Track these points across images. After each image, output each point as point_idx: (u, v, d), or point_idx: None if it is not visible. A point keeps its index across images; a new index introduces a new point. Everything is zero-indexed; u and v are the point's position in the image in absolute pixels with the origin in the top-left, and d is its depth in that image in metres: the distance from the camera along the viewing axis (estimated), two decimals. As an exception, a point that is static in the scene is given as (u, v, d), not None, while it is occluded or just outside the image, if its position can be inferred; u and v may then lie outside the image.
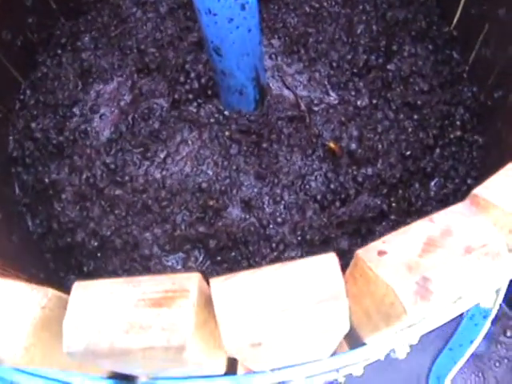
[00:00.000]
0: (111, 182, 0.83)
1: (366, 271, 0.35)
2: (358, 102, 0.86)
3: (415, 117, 0.85)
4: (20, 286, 0.37)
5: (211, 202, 0.80)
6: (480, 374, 1.29)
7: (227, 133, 0.85)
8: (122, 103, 0.90)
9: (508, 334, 1.40)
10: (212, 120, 0.86)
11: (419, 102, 0.85)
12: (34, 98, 0.92)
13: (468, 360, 0.98)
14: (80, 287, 0.36)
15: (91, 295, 0.35)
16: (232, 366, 0.49)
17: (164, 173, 0.84)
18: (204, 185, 0.81)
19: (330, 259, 0.35)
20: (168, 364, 0.37)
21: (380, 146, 0.82)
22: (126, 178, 0.83)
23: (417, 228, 0.36)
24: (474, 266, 0.33)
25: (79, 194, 0.83)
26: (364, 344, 0.47)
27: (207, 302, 0.36)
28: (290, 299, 0.33)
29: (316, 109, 0.86)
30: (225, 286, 0.34)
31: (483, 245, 0.34)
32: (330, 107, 0.86)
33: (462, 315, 1.03)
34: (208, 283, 0.35)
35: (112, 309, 0.34)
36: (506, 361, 1.44)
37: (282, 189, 0.80)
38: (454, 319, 1.06)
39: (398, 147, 0.82)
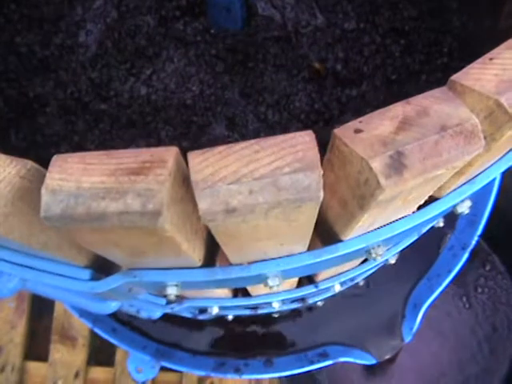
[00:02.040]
0: (96, 97, 0.83)
1: (341, 149, 0.36)
2: (346, 25, 0.85)
3: (402, 42, 0.84)
4: (-1, 156, 0.37)
5: (195, 118, 0.80)
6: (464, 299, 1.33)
7: (213, 51, 0.84)
8: (109, 20, 0.89)
9: (487, 267, 1.42)
10: (198, 38, 0.85)
11: (407, 28, 0.85)
12: (18, 13, 0.90)
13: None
14: (59, 159, 0.36)
15: (70, 165, 0.35)
16: (210, 261, 0.50)
17: (149, 89, 0.84)
18: (189, 101, 0.81)
19: (307, 135, 0.35)
20: (144, 241, 0.38)
21: (365, 69, 0.82)
22: (111, 93, 0.83)
23: (393, 109, 0.36)
24: (447, 143, 0.34)
25: (64, 107, 0.83)
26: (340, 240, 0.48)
27: (185, 180, 0.36)
28: (265, 168, 0.33)
29: (303, 31, 0.85)
30: (201, 155, 0.35)
31: (458, 124, 0.34)
32: (317, 30, 0.85)
33: (439, 247, 1.05)
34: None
35: (89, 176, 0.34)
36: (486, 289, 1.47)
37: (267, 107, 0.81)
38: (431, 251, 1.08)
39: (383, 71, 0.82)
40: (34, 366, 1.41)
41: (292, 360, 0.98)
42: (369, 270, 0.74)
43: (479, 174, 0.49)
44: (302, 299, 0.90)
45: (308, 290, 0.72)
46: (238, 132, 0.80)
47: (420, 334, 1.36)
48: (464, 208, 0.51)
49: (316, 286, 0.72)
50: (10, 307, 1.41)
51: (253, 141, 0.35)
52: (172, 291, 0.51)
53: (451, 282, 0.99)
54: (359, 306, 1.03)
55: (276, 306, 0.74)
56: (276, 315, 0.97)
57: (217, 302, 0.72)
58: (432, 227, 0.75)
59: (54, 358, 1.38)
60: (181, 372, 1.33)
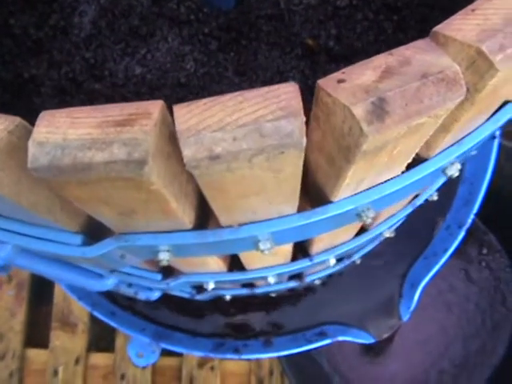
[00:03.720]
0: (91, 77, 0.83)
1: (325, 101, 0.36)
2: (338, 2, 0.85)
3: (395, 18, 0.85)
4: (-14, 112, 0.37)
5: (190, 97, 0.80)
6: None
7: (207, 30, 0.85)
8: (102, 0, 0.89)
9: (484, 251, 1.43)
10: (192, 17, 0.86)
11: (400, 4, 0.85)
12: (13, -5, 0.91)
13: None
14: (46, 114, 0.37)
15: (57, 119, 0.36)
16: (202, 227, 0.50)
17: (144, 68, 0.84)
18: (183, 80, 0.82)
19: (291, 86, 0.35)
20: (132, 197, 0.38)
21: (359, 45, 0.82)
22: (106, 72, 0.83)
23: (376, 60, 0.36)
24: (429, 90, 0.34)
25: (58, 88, 0.83)
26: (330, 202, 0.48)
27: (171, 136, 0.37)
28: (249, 116, 0.34)
29: (295, 8, 0.86)
30: (186, 107, 0.35)
31: (440, 71, 0.34)
32: (310, 7, 0.86)
33: (434, 227, 1.05)
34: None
35: (76, 129, 0.35)
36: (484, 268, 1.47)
37: (261, 85, 0.81)
38: (427, 230, 1.07)
39: (376, 47, 0.83)
40: (34, 353, 1.42)
41: (291, 340, 0.99)
42: (364, 244, 0.74)
43: (467, 135, 0.49)
44: (299, 277, 0.91)
45: (303, 263, 0.73)
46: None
47: (418, 312, 1.38)
48: (453, 171, 0.51)
49: (311, 260, 0.73)
50: (10, 295, 1.42)
51: (237, 93, 0.35)
52: (164, 256, 0.51)
53: (448, 260, 0.99)
54: (357, 285, 1.04)
55: (272, 281, 0.74)
56: (273, 295, 0.97)
57: (212, 276, 0.73)
58: (426, 200, 0.75)
59: (54, 345, 1.39)
60: (181, 356, 1.34)
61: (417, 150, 0.43)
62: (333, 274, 1.01)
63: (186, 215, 0.45)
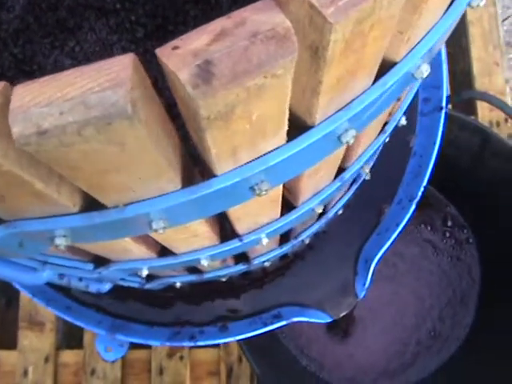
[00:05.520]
0: (19, 72, 0.83)
1: (164, 69, 0.36)
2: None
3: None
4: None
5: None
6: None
7: (133, 17, 0.84)
8: (29, -5, 0.89)
9: (448, 223, 1.42)
10: (118, 6, 0.85)
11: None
12: None
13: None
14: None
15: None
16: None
17: (73, 61, 0.84)
18: (110, 69, 0.81)
19: (127, 58, 0.35)
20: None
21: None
22: (35, 67, 0.83)
23: (213, 24, 0.36)
24: (257, 49, 0.33)
25: (-14, 84, 0.83)
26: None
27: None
28: (77, 90, 0.33)
29: (222, -9, 0.85)
30: (26, 86, 0.35)
31: (270, 29, 0.34)
32: (236, -12, 0.85)
33: (385, 204, 1.05)
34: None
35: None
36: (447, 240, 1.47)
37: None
38: (379, 206, 1.07)
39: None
40: (3, 355, 1.41)
41: (246, 324, 0.98)
42: (296, 221, 0.74)
43: (355, 99, 0.48)
44: (246, 260, 0.90)
45: (233, 244, 0.72)
46: (164, 96, 0.80)
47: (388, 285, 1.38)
48: (348, 137, 0.51)
49: (241, 240, 0.72)
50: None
51: (78, 67, 0.35)
52: (61, 242, 0.50)
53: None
54: (311, 266, 1.03)
55: (205, 263, 0.74)
56: (224, 279, 0.97)
57: (143, 263, 0.72)
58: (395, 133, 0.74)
59: (22, 345, 1.39)
60: (150, 349, 1.34)
61: (285, 116, 0.43)
62: (286, 255, 1.01)
63: (64, 198, 0.45)
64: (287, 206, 0.71)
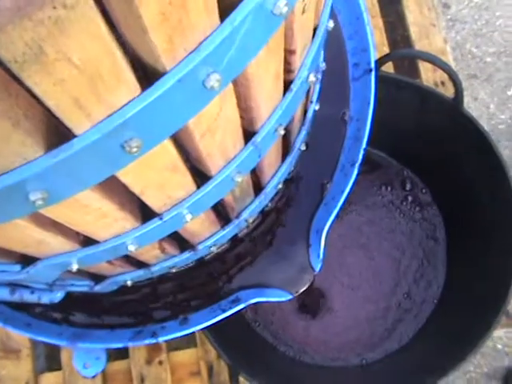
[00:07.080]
0: None
1: None
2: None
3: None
4: None
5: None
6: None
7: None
8: None
9: (407, 186, 1.42)
10: None
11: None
12: None
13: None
14: None
15: None
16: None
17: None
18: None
19: None
20: None
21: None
22: None
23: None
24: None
25: None
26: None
27: None
28: None
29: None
30: None
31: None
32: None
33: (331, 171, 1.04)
34: None
35: None
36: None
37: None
38: (324, 178, 1.06)
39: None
40: (-18, 389, 1.41)
41: (205, 313, 0.98)
42: (214, 192, 0.73)
43: (204, 40, 0.48)
44: (191, 247, 0.90)
45: (154, 223, 0.72)
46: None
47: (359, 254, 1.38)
48: (213, 81, 0.50)
49: (161, 218, 0.72)
50: None
51: None
52: None
53: (345, 202, 0.98)
54: (266, 247, 1.03)
55: (132, 248, 0.73)
56: (174, 270, 0.96)
57: (69, 255, 0.72)
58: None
59: (1, 375, 1.38)
60: (128, 358, 1.33)
61: (121, 61, 0.42)
62: (236, 238, 1.00)
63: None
64: (200, 176, 0.70)
